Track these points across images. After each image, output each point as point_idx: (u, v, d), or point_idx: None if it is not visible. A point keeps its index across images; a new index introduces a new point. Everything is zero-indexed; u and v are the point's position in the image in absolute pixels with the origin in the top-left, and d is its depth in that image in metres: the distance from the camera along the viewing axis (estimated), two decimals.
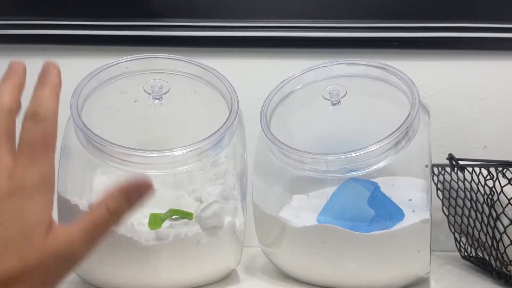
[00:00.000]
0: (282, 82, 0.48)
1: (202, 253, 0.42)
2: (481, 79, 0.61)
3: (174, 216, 0.44)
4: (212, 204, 0.42)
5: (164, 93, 0.45)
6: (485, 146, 0.61)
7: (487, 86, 0.61)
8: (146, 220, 0.43)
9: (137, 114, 0.48)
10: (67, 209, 0.41)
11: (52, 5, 0.61)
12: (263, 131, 0.44)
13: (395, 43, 0.60)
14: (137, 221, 0.42)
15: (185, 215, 0.44)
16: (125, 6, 0.61)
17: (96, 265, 0.40)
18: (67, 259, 0.25)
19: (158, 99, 0.45)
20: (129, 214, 0.27)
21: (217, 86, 0.46)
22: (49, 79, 0.27)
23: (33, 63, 0.30)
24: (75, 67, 0.48)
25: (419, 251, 0.42)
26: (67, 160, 0.42)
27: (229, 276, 0.47)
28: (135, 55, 0.46)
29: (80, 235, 0.26)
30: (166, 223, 0.43)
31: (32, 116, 0.26)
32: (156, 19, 0.61)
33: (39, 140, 0.26)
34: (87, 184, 0.46)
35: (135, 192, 0.27)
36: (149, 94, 0.46)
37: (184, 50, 0.61)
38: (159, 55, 0.47)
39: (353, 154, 0.40)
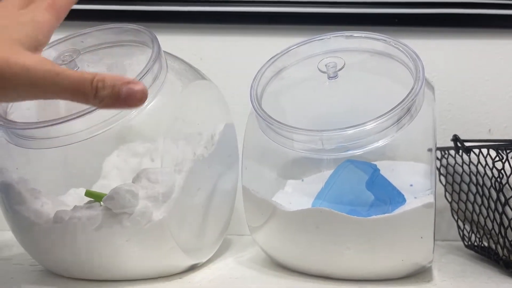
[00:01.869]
0: (274, 56, 0.45)
1: (103, 241, 0.37)
2: (486, 59, 0.58)
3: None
4: (119, 187, 0.37)
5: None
6: (489, 130, 0.58)
7: (492, 66, 0.58)
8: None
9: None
10: None
11: None
12: (253, 106, 0.41)
13: (396, 20, 0.57)
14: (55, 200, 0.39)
15: (96, 198, 0.39)
16: None
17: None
18: (22, 81, 0.27)
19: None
20: (101, 107, 0.29)
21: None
22: None
23: None
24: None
25: (421, 237, 0.39)
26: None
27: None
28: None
29: (48, 74, 0.28)
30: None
31: None
32: None
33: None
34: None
35: (125, 98, 0.28)
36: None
37: (170, 26, 0.58)
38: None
39: (350, 131, 0.37)
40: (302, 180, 0.50)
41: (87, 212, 0.37)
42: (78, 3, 0.56)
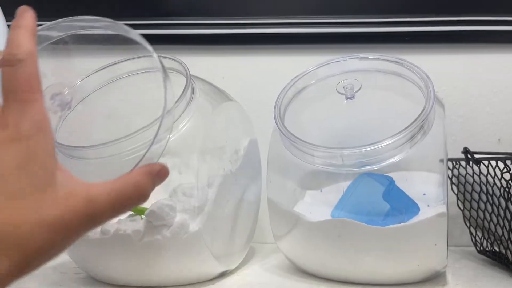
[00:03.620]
0: (295, 77, 0.48)
1: (146, 252, 0.40)
2: (495, 72, 0.61)
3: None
4: (160, 201, 0.40)
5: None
6: (499, 139, 0.61)
7: (500, 79, 0.61)
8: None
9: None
10: None
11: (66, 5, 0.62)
12: (277, 125, 0.44)
13: (407, 38, 0.60)
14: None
15: (138, 212, 0.43)
16: (135, 5, 0.62)
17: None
18: (90, 218, 0.23)
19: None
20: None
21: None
22: (22, 22, 0.25)
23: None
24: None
25: (436, 244, 0.42)
26: None
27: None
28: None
29: (106, 199, 0.24)
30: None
31: (9, 61, 0.23)
32: (166, 18, 0.61)
33: (23, 85, 0.23)
34: None
35: (157, 176, 0.27)
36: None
37: (195, 48, 0.61)
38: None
39: (368, 148, 0.40)
40: (321, 191, 0.52)
41: (131, 225, 0.41)
42: (100, 29, 0.61)
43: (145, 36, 0.62)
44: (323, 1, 0.61)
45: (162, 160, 0.54)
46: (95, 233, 0.41)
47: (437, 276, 0.45)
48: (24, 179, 0.22)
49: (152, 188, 0.27)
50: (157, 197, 0.47)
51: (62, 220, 0.22)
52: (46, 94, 0.35)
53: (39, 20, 0.27)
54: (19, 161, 0.22)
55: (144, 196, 0.26)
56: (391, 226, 0.41)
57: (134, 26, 0.61)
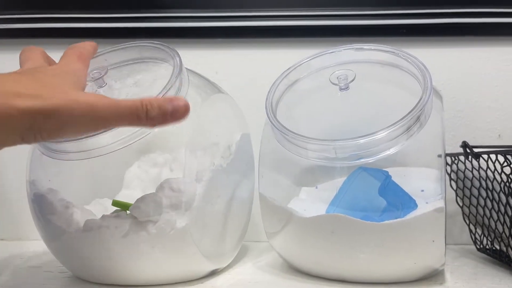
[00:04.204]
0: (288, 69, 0.47)
1: (130, 249, 0.39)
2: (494, 66, 0.59)
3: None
4: (145, 196, 0.39)
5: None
6: (499, 135, 0.59)
7: (501, 73, 0.59)
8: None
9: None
10: None
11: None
12: (269, 117, 0.43)
13: (404, 30, 0.58)
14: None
15: (123, 207, 0.41)
16: None
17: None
18: (89, 116, 0.30)
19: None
20: (153, 126, 0.32)
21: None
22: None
23: None
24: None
25: (433, 241, 0.40)
26: None
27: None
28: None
29: (109, 107, 0.30)
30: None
31: None
32: (158, 10, 0.60)
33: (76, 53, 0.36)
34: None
35: (172, 113, 0.32)
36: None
37: (189, 41, 0.60)
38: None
39: (362, 140, 0.38)
40: (316, 188, 0.51)
41: (115, 221, 0.39)
42: (95, 22, 0.60)
43: (136, 30, 0.61)
44: None
45: (152, 155, 0.54)
46: (77, 229, 0.39)
47: (435, 275, 0.44)
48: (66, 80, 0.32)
49: (146, 118, 0.32)
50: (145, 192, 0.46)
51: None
52: None
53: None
54: (64, 70, 0.33)
55: (135, 119, 0.31)
56: (386, 221, 0.40)
57: (125, 19, 0.61)
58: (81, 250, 0.40)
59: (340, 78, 0.44)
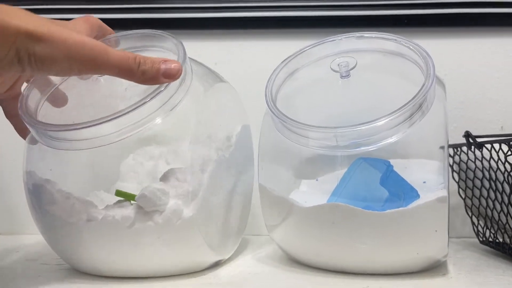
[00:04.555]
0: (288, 57, 0.46)
1: (136, 240, 0.38)
2: (496, 56, 0.58)
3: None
4: (151, 186, 0.38)
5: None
6: (502, 127, 0.59)
7: (503, 64, 0.58)
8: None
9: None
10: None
11: None
12: (268, 106, 0.42)
13: (405, 21, 0.58)
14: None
15: (127, 197, 0.40)
16: None
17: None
18: (80, 53, 0.32)
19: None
20: (143, 82, 0.34)
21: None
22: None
23: None
24: None
25: (436, 231, 0.39)
26: None
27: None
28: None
29: (101, 50, 0.32)
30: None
31: None
32: (155, 1, 0.60)
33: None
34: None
35: (164, 72, 0.34)
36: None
37: (188, 32, 0.59)
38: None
39: (363, 127, 0.38)
40: (317, 180, 0.51)
41: (120, 211, 0.38)
42: (95, 12, 0.59)
43: (133, 21, 0.61)
44: None
45: (148, 149, 0.53)
46: (80, 219, 0.38)
47: (438, 266, 0.43)
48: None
49: (137, 70, 0.33)
50: (140, 184, 0.45)
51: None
52: None
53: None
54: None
55: (126, 69, 0.33)
56: (388, 211, 0.39)
57: (122, 10, 0.60)
58: (83, 241, 0.39)
59: (341, 65, 0.43)
